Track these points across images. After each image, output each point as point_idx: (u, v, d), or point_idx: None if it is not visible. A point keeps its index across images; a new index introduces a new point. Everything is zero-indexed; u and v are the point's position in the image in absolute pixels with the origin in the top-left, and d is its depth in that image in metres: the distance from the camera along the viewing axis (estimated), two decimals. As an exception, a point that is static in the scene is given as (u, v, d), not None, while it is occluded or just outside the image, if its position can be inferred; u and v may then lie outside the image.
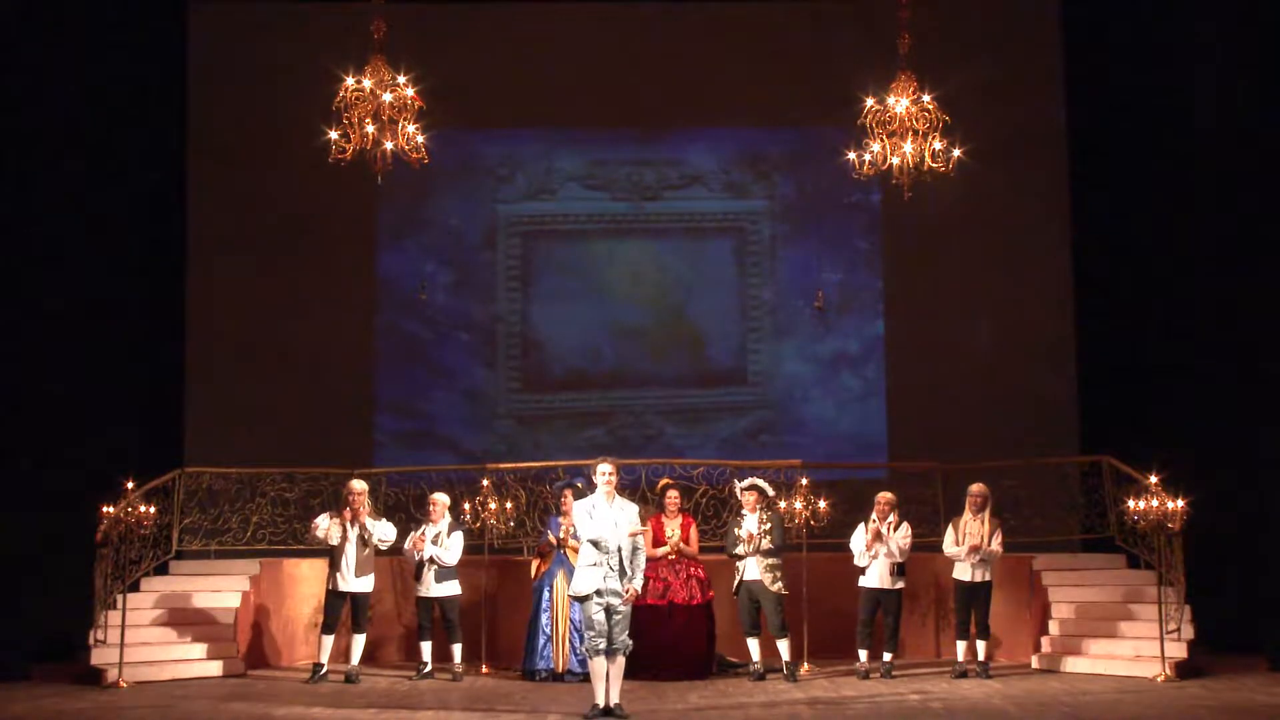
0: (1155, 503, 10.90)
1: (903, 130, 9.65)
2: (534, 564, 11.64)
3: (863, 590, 11.34)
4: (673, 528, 11.47)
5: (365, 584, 11.33)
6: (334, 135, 9.31)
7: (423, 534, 11.47)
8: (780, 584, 11.16)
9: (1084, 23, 14.61)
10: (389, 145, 9.27)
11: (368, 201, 14.44)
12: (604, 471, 9.39)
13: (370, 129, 9.20)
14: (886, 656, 11.25)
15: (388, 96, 9.22)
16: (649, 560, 10.37)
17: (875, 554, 11.23)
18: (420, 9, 13.85)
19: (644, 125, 15.22)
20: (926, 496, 12.76)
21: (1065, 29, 14.86)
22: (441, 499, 11.62)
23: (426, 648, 11.47)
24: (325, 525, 11.25)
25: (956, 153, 9.72)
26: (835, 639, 11.84)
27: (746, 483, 11.45)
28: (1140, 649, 11.28)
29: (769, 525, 11.21)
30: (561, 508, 11.52)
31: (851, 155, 9.90)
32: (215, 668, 11.53)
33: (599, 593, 9.15)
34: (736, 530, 11.30)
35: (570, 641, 11.17)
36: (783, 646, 11.13)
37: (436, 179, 13.96)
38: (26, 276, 12.49)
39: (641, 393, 15.03)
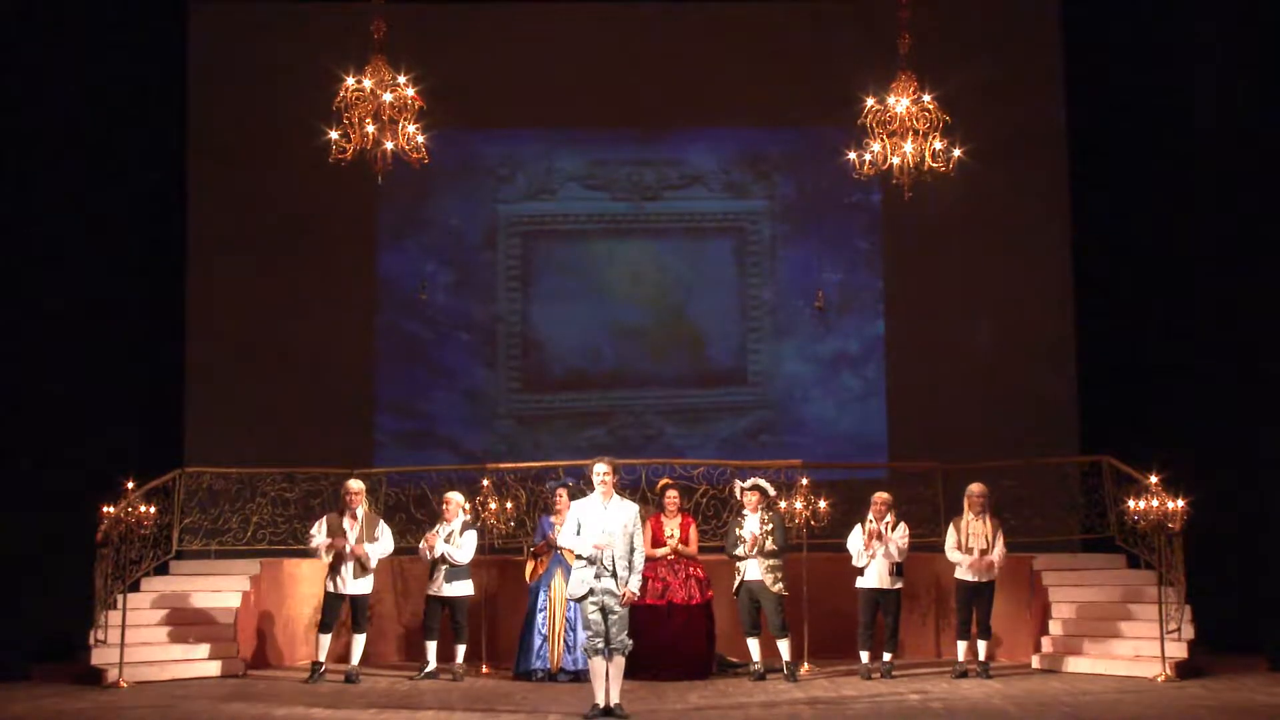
0: (1155, 503, 10.90)
1: (903, 130, 9.65)
2: (529, 565, 11.62)
3: (861, 591, 11.33)
4: (672, 528, 11.47)
5: (364, 585, 11.33)
6: (334, 135, 9.31)
7: (435, 532, 11.46)
8: (781, 584, 11.15)
9: (1084, 23, 14.61)
10: (389, 145, 9.27)
11: (368, 201, 14.44)
12: (599, 472, 9.36)
13: (370, 129, 9.20)
14: (886, 656, 11.25)
15: (388, 96, 9.22)
16: (648, 560, 10.36)
17: (874, 554, 11.23)
18: (420, 9, 13.85)
19: (644, 125, 15.22)
20: (926, 496, 12.77)
21: (1065, 29, 14.86)
22: (455, 498, 11.61)
23: (432, 647, 11.47)
24: (320, 540, 11.22)
25: (956, 152, 9.72)
26: (835, 639, 11.85)
27: (749, 483, 11.44)
28: (1140, 649, 11.28)
29: (770, 526, 11.21)
30: (555, 507, 11.52)
31: (852, 155, 9.90)
32: (215, 668, 11.53)
33: (592, 592, 9.14)
34: (737, 530, 11.29)
35: (565, 641, 11.16)
36: (783, 646, 11.13)
37: (436, 179, 13.96)
38: (27, 276, 12.49)
39: (641, 393, 15.03)
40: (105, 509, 11.09)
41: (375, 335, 14.97)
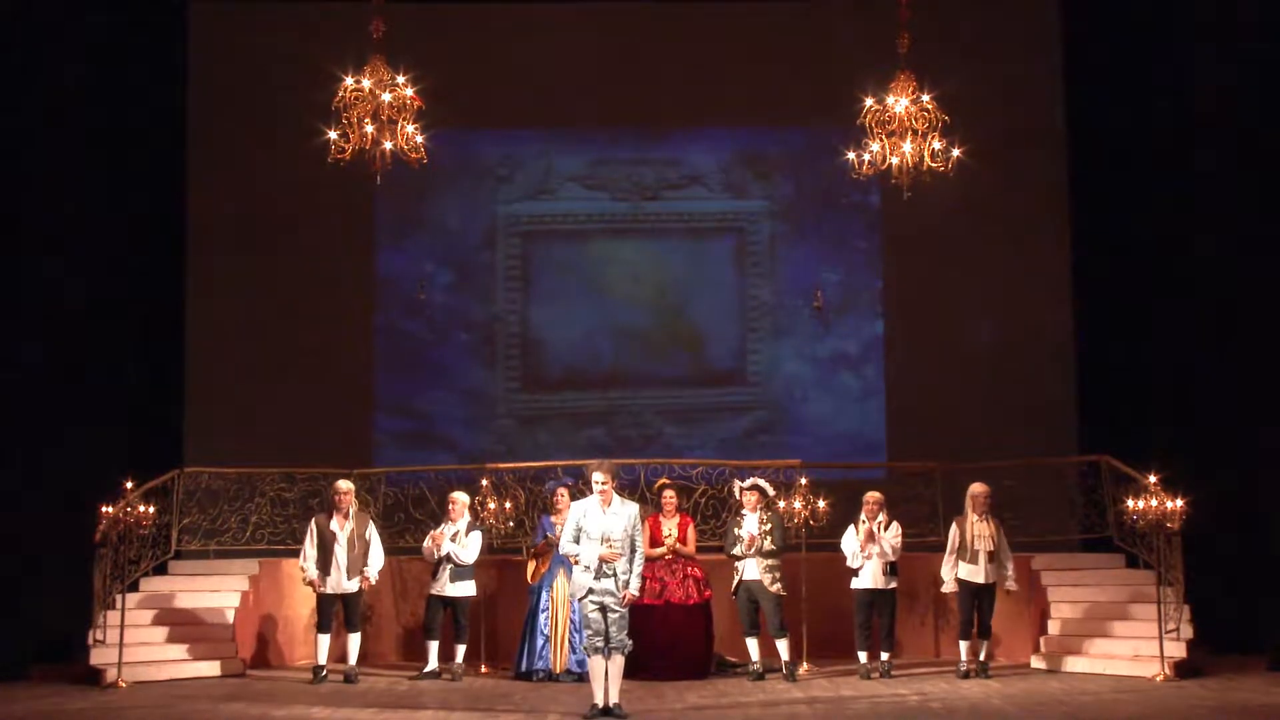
0: (1154, 502, 10.90)
1: (902, 130, 9.65)
2: (530, 565, 11.61)
3: (857, 592, 11.31)
4: (670, 527, 11.46)
5: (357, 585, 11.30)
6: (333, 135, 9.31)
7: (441, 531, 11.45)
8: (779, 584, 11.14)
9: (1084, 22, 14.60)
10: (388, 145, 9.27)
11: (366, 202, 14.43)
12: (598, 481, 9.31)
13: (369, 129, 9.20)
14: (884, 656, 11.24)
15: (387, 96, 9.22)
16: (645, 560, 10.35)
17: (869, 554, 11.22)
18: (420, 9, 13.84)
19: (644, 125, 15.22)
20: (925, 496, 12.76)
21: (1065, 29, 14.85)
22: (461, 498, 11.61)
23: (433, 647, 11.45)
24: (310, 566, 11.22)
25: (956, 152, 9.73)
26: (834, 639, 11.83)
27: (748, 483, 11.43)
28: (1139, 649, 11.27)
29: (769, 526, 11.20)
30: (555, 506, 11.51)
31: (851, 155, 9.90)
32: (214, 668, 11.52)
33: (590, 591, 9.14)
34: (736, 530, 11.29)
35: (570, 642, 11.16)
36: (782, 646, 11.12)
37: (435, 179, 13.94)
38: (26, 276, 12.48)
39: (641, 393, 15.03)
40: (104, 509, 11.08)
41: (374, 335, 14.97)
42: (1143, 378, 13.54)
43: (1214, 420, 12.52)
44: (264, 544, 12.65)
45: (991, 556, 11.18)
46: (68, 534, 11.66)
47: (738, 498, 11.50)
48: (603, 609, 9.13)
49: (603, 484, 9.27)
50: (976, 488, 11.39)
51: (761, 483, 11.46)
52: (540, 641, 11.26)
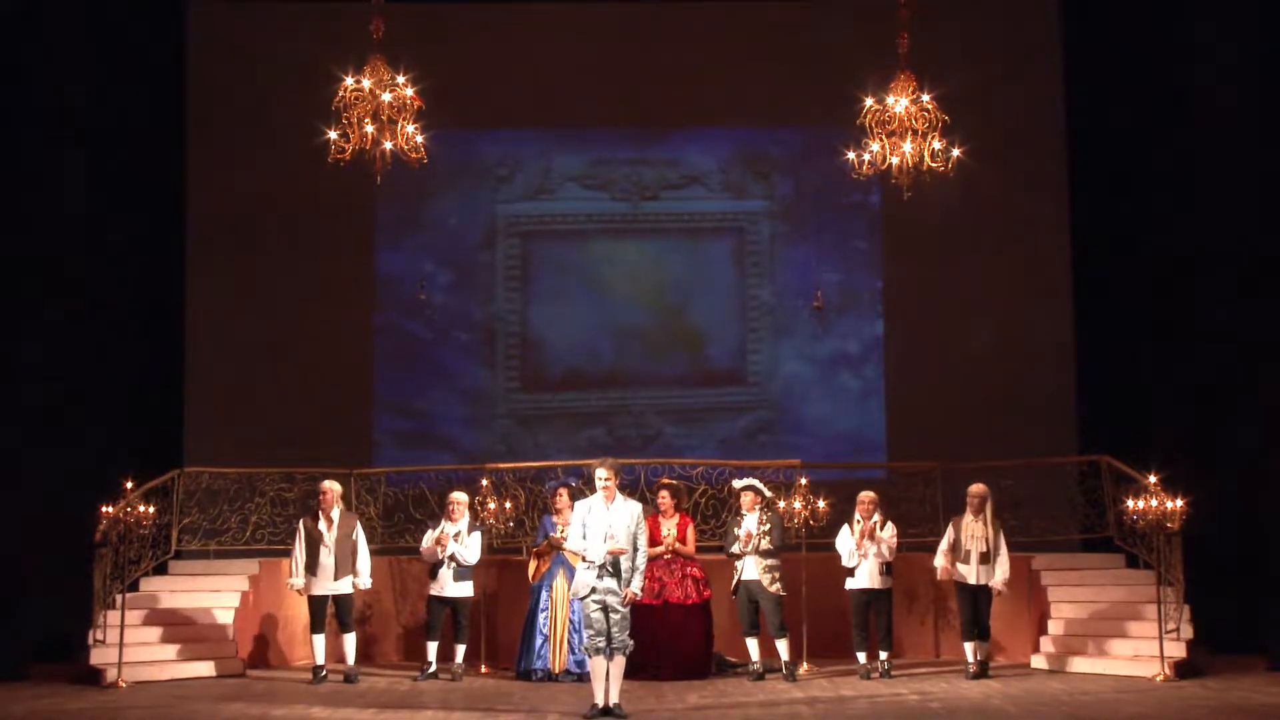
0: (1154, 502, 10.90)
1: (902, 130, 9.65)
2: (531, 565, 11.61)
3: (853, 592, 11.29)
4: (669, 527, 11.45)
5: (347, 585, 11.27)
6: (333, 135, 9.30)
7: (444, 532, 11.44)
8: (779, 585, 11.14)
9: (1084, 22, 14.60)
10: (388, 145, 9.26)
11: (366, 201, 14.42)
12: (600, 477, 9.35)
13: (369, 129, 9.19)
14: (883, 655, 11.24)
15: (387, 96, 9.21)
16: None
17: (865, 553, 11.20)
18: (420, 9, 13.84)
19: (644, 125, 15.21)
20: (925, 496, 12.77)
21: (1065, 28, 14.85)
22: (461, 498, 11.60)
23: (433, 648, 11.44)
24: (298, 573, 11.21)
25: (956, 152, 9.72)
26: (834, 639, 11.84)
27: (743, 483, 11.43)
28: (1140, 649, 11.27)
29: (768, 526, 11.20)
30: (555, 506, 11.51)
31: (851, 155, 9.90)
32: (214, 668, 11.53)
33: (594, 591, 9.14)
34: (735, 530, 11.29)
35: (569, 642, 11.16)
36: (781, 646, 11.12)
37: (435, 179, 13.95)
38: (26, 276, 12.48)
39: (641, 393, 15.03)
40: (104, 509, 11.09)
41: (374, 335, 14.97)
42: (1143, 377, 13.54)
43: (1214, 420, 12.52)
44: (264, 544, 12.65)
45: (984, 558, 11.16)
46: (68, 534, 11.66)
47: (737, 498, 11.51)
48: (605, 608, 9.13)
49: (606, 481, 9.29)
50: (973, 488, 11.40)
51: (756, 483, 11.46)
52: (539, 641, 11.26)
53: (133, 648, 11.15)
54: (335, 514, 11.29)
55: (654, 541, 11.33)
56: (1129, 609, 11.78)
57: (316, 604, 11.24)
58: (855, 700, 10.02)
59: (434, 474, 12.92)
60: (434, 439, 14.83)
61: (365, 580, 11.39)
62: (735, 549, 11.23)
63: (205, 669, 11.49)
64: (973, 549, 11.20)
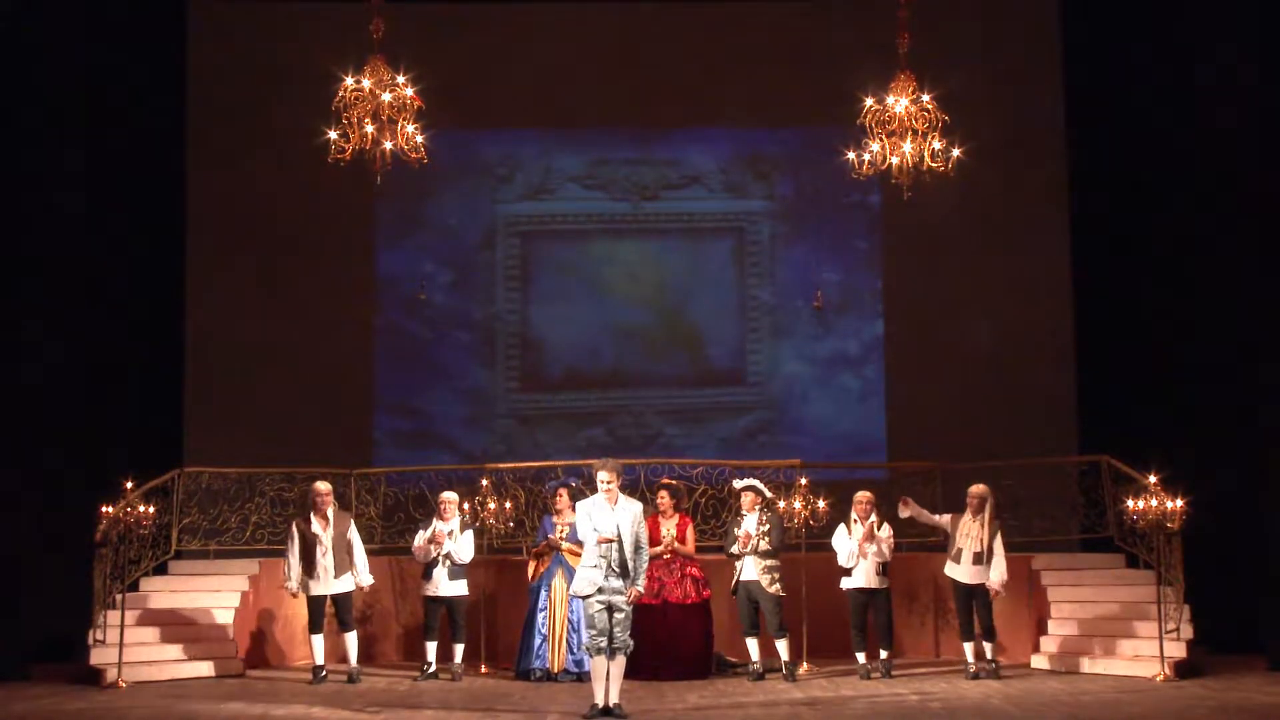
0: (1154, 502, 10.90)
1: (902, 130, 9.65)
2: (530, 565, 11.61)
3: (850, 593, 11.27)
4: (668, 527, 11.45)
5: (345, 584, 11.27)
6: (333, 135, 9.31)
7: (439, 530, 11.43)
8: (779, 585, 11.14)
9: (1084, 23, 14.60)
10: (388, 145, 9.27)
11: (366, 202, 14.43)
12: (603, 480, 9.34)
13: (369, 129, 9.20)
14: (883, 655, 11.23)
15: (387, 96, 9.22)
16: (645, 559, 10.36)
17: (864, 554, 11.19)
18: (420, 9, 13.85)
19: (644, 125, 15.21)
20: (926, 496, 12.74)
21: (1065, 29, 14.85)
22: (451, 497, 11.60)
23: (432, 648, 11.44)
24: (293, 577, 11.20)
25: (956, 152, 9.72)
26: (834, 639, 11.83)
27: (743, 484, 11.43)
28: (1140, 649, 11.27)
29: (768, 526, 11.20)
30: (555, 507, 11.51)
31: (851, 155, 9.90)
32: (214, 668, 11.53)
33: (600, 590, 9.14)
34: (735, 530, 11.29)
35: (567, 641, 11.16)
36: (781, 646, 11.12)
37: (435, 179, 13.94)
38: (26, 276, 12.48)
39: (641, 392, 15.03)
40: (104, 509, 11.09)
41: (374, 335, 14.97)
42: (1143, 378, 13.53)
43: (1214, 420, 12.52)
44: (264, 544, 12.64)
45: (977, 558, 11.15)
46: (68, 534, 11.66)
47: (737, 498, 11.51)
48: (609, 609, 9.13)
49: (608, 483, 9.28)
50: (973, 488, 11.37)
51: (757, 484, 11.46)
52: (538, 641, 11.25)
53: (133, 648, 11.16)
54: (330, 513, 11.29)
55: (654, 541, 11.32)
56: (1129, 609, 11.78)
57: (315, 604, 11.24)
58: (855, 700, 10.02)
59: (434, 474, 12.91)
60: (434, 439, 14.83)
61: (366, 578, 11.39)
62: (734, 549, 11.23)
63: (205, 669, 11.49)
64: (966, 548, 11.19)
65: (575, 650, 11.04)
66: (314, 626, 11.28)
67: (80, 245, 13.05)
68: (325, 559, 11.17)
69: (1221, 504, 11.60)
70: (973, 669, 11.07)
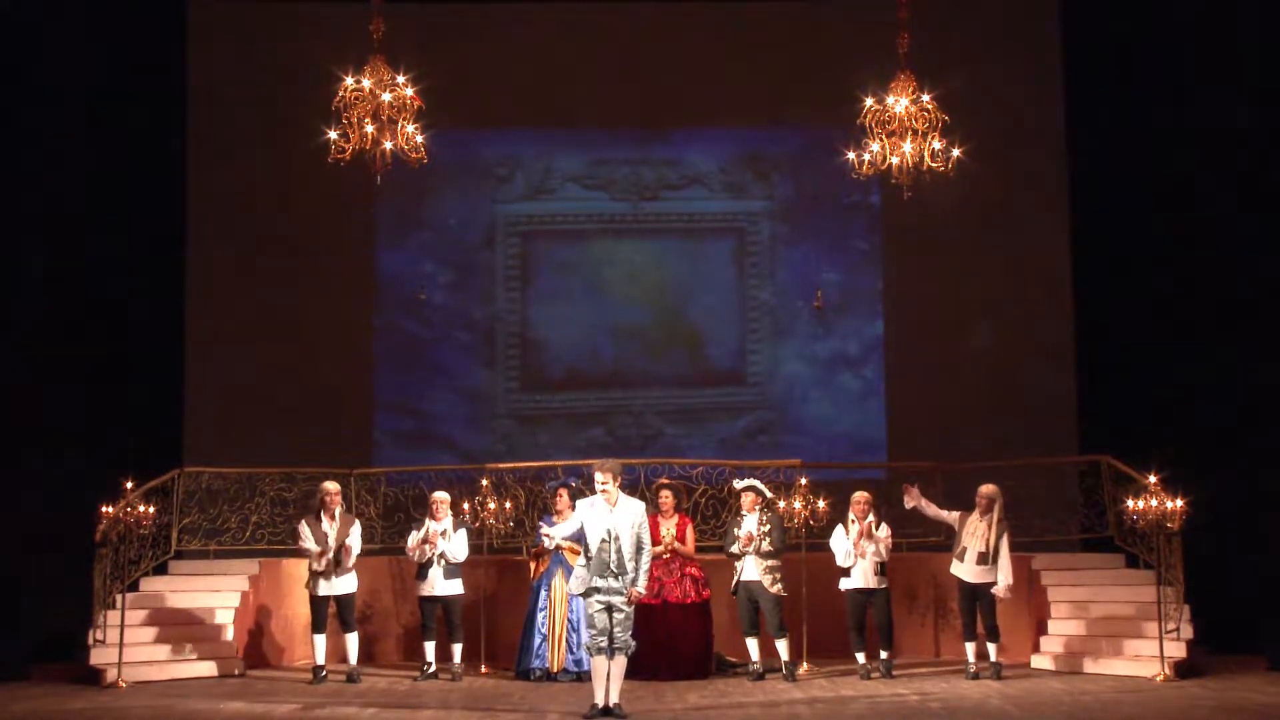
0: (1154, 502, 10.90)
1: (902, 130, 9.65)
2: (531, 565, 11.62)
3: (848, 593, 11.25)
4: (668, 527, 11.45)
5: (348, 584, 11.28)
6: (333, 135, 9.31)
7: (433, 530, 11.42)
8: (779, 585, 11.13)
9: (1084, 23, 14.60)
10: (388, 145, 9.27)
11: (366, 202, 14.41)
12: (598, 481, 9.32)
13: (369, 129, 9.20)
14: (884, 655, 11.23)
15: (387, 96, 9.22)
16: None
17: (863, 553, 11.19)
18: (420, 9, 13.86)
19: (644, 125, 15.22)
20: (926, 497, 12.71)
21: (1065, 29, 14.85)
22: (443, 496, 11.61)
23: (430, 648, 11.45)
24: (310, 546, 11.20)
25: (956, 152, 9.73)
26: (834, 639, 11.82)
27: (744, 484, 11.43)
28: (1139, 649, 11.27)
29: (769, 526, 11.19)
30: (555, 506, 11.51)
31: (851, 155, 9.90)
32: (214, 668, 11.53)
33: (598, 590, 9.13)
34: (735, 530, 11.29)
35: (567, 641, 11.16)
36: (781, 646, 11.11)
37: (435, 179, 13.96)
38: (26, 275, 12.49)
39: (641, 392, 15.03)
40: (104, 509, 11.09)
41: (374, 335, 14.97)
42: (1143, 378, 13.53)
43: (1214, 420, 12.52)
44: (264, 544, 12.65)
45: (981, 558, 11.13)
46: (68, 534, 11.66)
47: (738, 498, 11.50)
48: (609, 609, 9.12)
49: (604, 485, 9.26)
50: (983, 488, 11.30)
51: (758, 484, 11.45)
52: (537, 640, 11.26)
53: (133, 648, 11.16)
54: (338, 513, 11.30)
55: (653, 541, 11.31)
56: (1129, 609, 11.78)
57: (318, 604, 11.25)
58: (855, 700, 10.02)
59: (434, 474, 12.91)
60: (434, 439, 14.83)
61: (354, 548, 11.27)
62: (735, 549, 11.23)
63: (205, 669, 11.49)
64: (971, 547, 11.17)
65: (575, 650, 11.04)
66: (317, 626, 11.28)
67: (80, 245, 13.05)
68: (330, 559, 11.17)
69: (1221, 504, 11.60)
70: (973, 669, 11.06)
